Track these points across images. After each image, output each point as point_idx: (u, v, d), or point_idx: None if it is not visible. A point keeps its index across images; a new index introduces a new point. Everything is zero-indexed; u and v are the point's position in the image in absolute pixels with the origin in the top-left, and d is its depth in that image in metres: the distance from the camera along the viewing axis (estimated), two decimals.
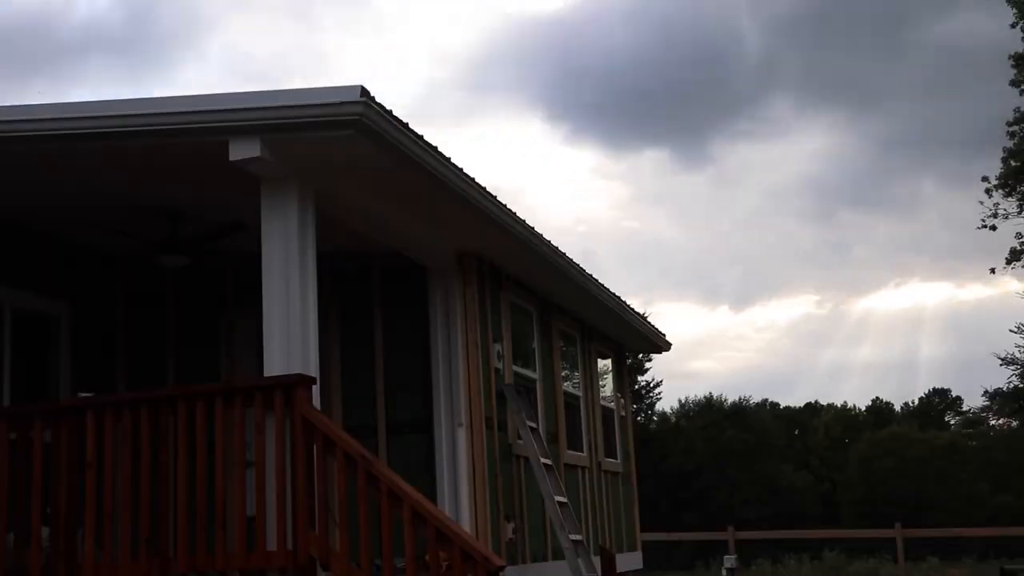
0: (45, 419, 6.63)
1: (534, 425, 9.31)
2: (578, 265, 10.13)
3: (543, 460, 8.98)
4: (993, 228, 27.49)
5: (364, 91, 5.85)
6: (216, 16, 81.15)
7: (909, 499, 43.24)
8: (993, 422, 54.09)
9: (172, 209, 8.05)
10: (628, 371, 15.19)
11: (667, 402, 70.25)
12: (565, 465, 10.50)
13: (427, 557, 5.82)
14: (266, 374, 6.23)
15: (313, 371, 6.26)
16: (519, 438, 9.16)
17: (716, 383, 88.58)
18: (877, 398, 65.11)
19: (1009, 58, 25.71)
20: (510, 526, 8.92)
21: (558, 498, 8.89)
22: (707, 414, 52.65)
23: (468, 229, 8.33)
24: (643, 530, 14.21)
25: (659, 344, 14.74)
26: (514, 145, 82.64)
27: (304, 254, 6.40)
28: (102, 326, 9.05)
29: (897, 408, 64.59)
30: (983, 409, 54.59)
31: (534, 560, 9.38)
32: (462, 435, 8.47)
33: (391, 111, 6.12)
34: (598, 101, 76.63)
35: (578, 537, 8.87)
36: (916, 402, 65.71)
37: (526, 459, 9.21)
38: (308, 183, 6.54)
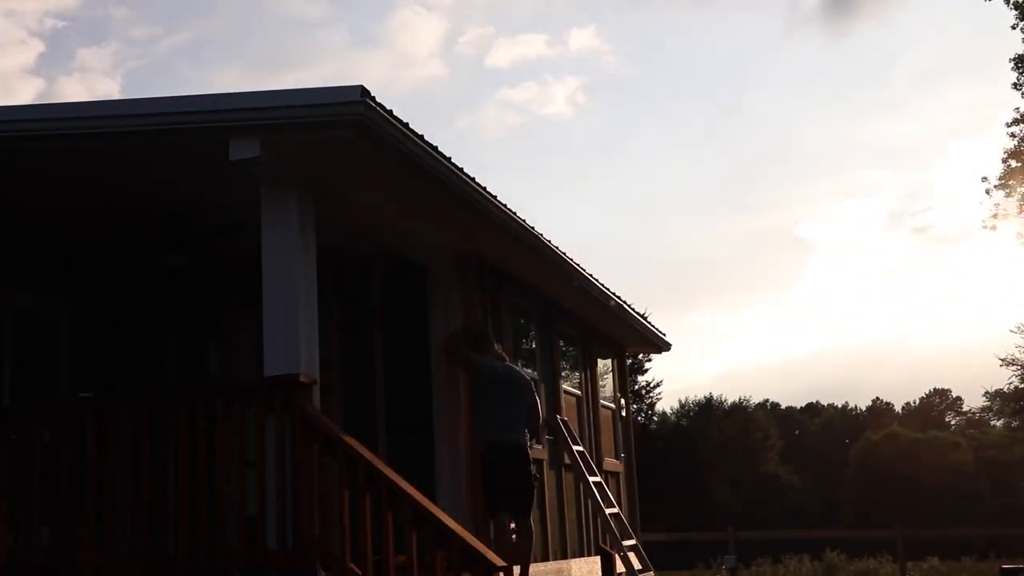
0: (45, 419, 6.63)
1: (580, 448, 10.29)
2: (579, 266, 10.11)
3: (592, 479, 10.10)
4: (993, 228, 27.52)
5: (364, 91, 5.84)
6: None
7: (909, 499, 43.21)
8: (993, 422, 54.10)
9: (172, 209, 8.04)
10: (628, 371, 15.18)
11: (667, 402, 70.40)
12: (565, 465, 10.50)
13: (427, 557, 5.82)
14: (266, 374, 6.22)
15: (313, 371, 6.26)
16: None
17: None
18: (877, 398, 65.22)
19: (1010, 61, 25.68)
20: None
21: (609, 510, 10.01)
22: (707, 414, 52.66)
23: (468, 229, 8.32)
24: (643, 530, 14.20)
25: (659, 344, 14.72)
26: None
27: (304, 254, 6.40)
28: (102, 326, 9.03)
29: (897, 408, 64.66)
30: (983, 409, 54.62)
31: (535, 560, 9.37)
32: (462, 435, 8.46)
33: (391, 111, 6.11)
34: None
35: (632, 542, 10.04)
36: (916, 402, 65.78)
37: None
38: (308, 183, 6.53)
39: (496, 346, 8.46)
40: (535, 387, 8.50)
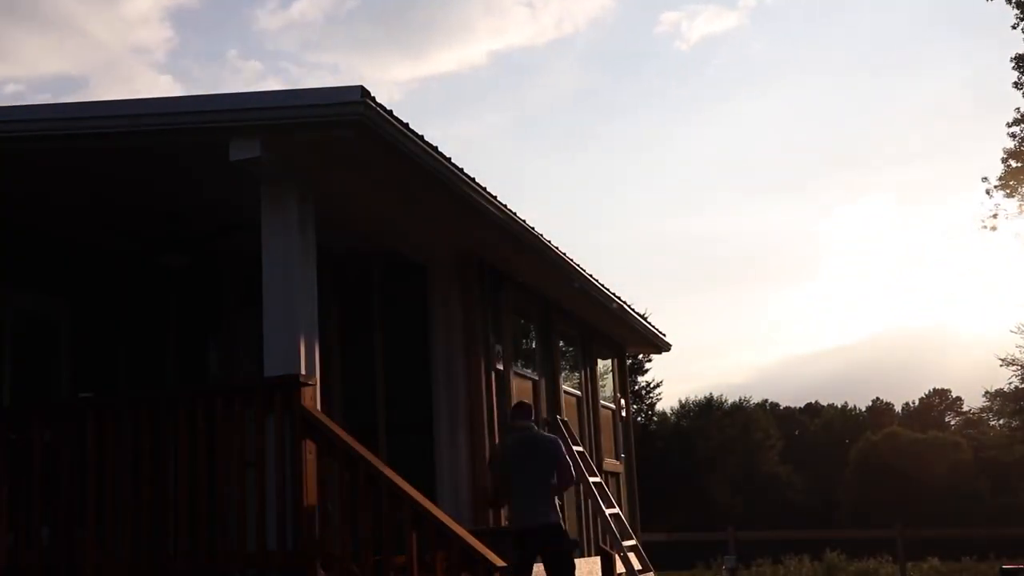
0: (45, 419, 6.63)
1: (580, 449, 10.28)
2: (579, 266, 10.10)
3: (592, 479, 10.10)
4: (993, 229, 27.53)
5: (364, 91, 5.84)
6: None
7: (909, 499, 43.23)
8: (993, 422, 54.14)
9: (172, 209, 8.04)
10: (628, 371, 15.18)
11: (667, 402, 70.42)
12: None
13: (427, 557, 5.82)
14: (266, 374, 6.22)
15: (313, 371, 6.26)
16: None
17: None
18: (877, 398, 65.21)
19: (1010, 60, 25.68)
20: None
21: (609, 511, 10.07)
22: (707, 414, 52.69)
23: (468, 230, 8.32)
24: (643, 530, 14.20)
25: (659, 345, 14.72)
26: None
27: (304, 254, 6.40)
28: (102, 326, 9.03)
29: (897, 408, 64.68)
30: (983, 409, 54.67)
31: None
32: (462, 435, 8.47)
33: (391, 111, 6.11)
34: None
35: (632, 542, 10.11)
36: (916, 402, 65.79)
37: None
38: (308, 183, 6.54)
39: (521, 420, 7.85)
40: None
